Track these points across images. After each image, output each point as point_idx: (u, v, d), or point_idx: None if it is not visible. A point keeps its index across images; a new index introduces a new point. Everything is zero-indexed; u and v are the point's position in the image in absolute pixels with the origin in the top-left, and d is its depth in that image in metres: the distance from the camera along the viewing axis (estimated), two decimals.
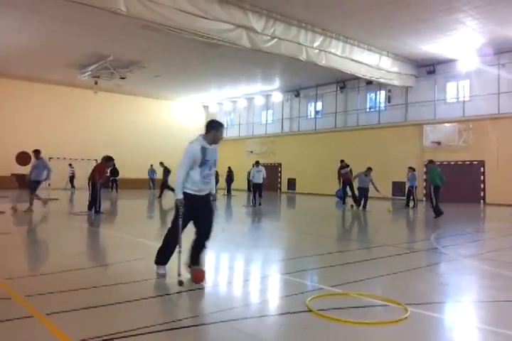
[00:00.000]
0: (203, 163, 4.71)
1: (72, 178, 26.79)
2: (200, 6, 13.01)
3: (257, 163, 16.33)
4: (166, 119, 33.51)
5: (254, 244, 7.95)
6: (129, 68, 23.10)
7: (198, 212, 4.84)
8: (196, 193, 4.77)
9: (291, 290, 4.63)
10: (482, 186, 20.07)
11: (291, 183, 28.59)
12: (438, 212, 12.53)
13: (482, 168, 20.07)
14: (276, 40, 15.31)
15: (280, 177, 29.46)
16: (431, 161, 13.51)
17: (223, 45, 14.75)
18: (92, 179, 11.95)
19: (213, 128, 4.86)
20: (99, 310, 3.73)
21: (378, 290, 4.58)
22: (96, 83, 25.09)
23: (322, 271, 5.59)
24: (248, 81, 26.52)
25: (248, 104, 32.17)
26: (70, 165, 26.82)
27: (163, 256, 4.92)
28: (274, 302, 4.28)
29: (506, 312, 3.97)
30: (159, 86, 28.59)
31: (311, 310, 3.77)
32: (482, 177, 20.06)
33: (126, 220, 12.06)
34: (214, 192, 5.08)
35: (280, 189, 29.34)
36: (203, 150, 4.71)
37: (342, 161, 17.57)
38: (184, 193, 4.71)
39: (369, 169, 15.33)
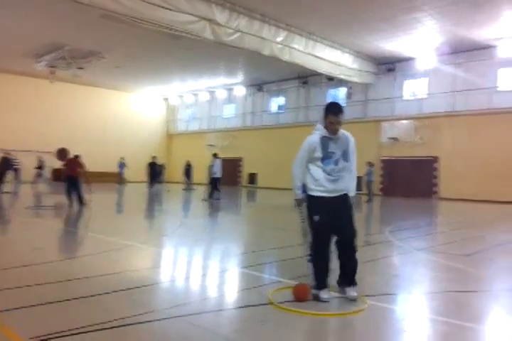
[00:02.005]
0: (326, 157, 4.03)
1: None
2: None
3: (215, 156, 16.06)
4: (127, 111, 32.83)
5: (213, 238, 7.94)
6: (88, 58, 22.41)
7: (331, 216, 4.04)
8: (324, 194, 4.03)
9: (250, 283, 4.66)
10: (436, 181, 20.81)
11: (253, 178, 28.69)
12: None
13: (436, 164, 20.79)
14: (239, 33, 15.24)
15: (241, 172, 29.49)
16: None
17: (186, 37, 14.57)
18: (73, 173, 11.66)
19: (326, 112, 4.06)
20: (53, 306, 3.62)
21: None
22: (52, 73, 24.19)
23: (282, 264, 5.65)
24: (211, 74, 26.31)
25: (210, 98, 31.94)
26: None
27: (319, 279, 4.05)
28: (232, 295, 4.28)
29: (456, 302, 4.14)
30: (120, 77, 27.92)
31: (271, 303, 3.81)
32: (436, 173, 20.79)
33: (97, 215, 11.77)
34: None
35: (241, 183, 29.37)
36: (324, 140, 4.04)
37: None
38: (310, 195, 4.09)
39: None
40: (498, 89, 19.27)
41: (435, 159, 20.81)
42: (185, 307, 3.74)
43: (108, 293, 4.08)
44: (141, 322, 3.32)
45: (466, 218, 13.14)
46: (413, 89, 22.30)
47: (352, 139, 4.16)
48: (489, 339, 3.38)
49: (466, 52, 19.73)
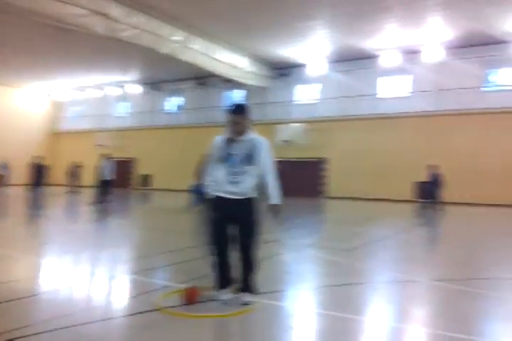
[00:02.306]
0: (227, 158, 3.98)
1: None
2: None
3: (105, 157, 15.18)
4: (7, 107, 29.94)
5: (100, 245, 7.53)
6: None
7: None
8: (222, 195, 3.99)
9: (138, 289, 4.51)
10: (324, 181, 22.05)
11: (147, 179, 27.84)
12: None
13: (325, 165, 22.04)
14: (136, 30, 14.76)
15: (133, 173, 28.46)
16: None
17: (77, 31, 13.73)
18: None
19: (226, 112, 4.04)
20: None
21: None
22: None
23: (172, 268, 5.55)
24: (103, 70, 25.05)
25: (101, 95, 30.38)
26: None
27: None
28: (120, 303, 4.11)
29: (340, 296, 4.40)
30: (1, 71, 25.39)
31: (159, 309, 3.71)
32: (324, 173, 22.04)
33: None
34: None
35: (133, 185, 28.33)
36: (227, 141, 4.01)
37: None
38: (211, 195, 4.04)
39: None
40: (378, 96, 21.04)
41: (324, 160, 22.05)
42: (71, 318, 3.51)
43: None
44: (25, 336, 3.05)
45: (351, 215, 14.12)
46: (306, 94, 23.41)
47: (262, 143, 4.03)
48: (371, 329, 3.63)
49: (353, 60, 21.21)
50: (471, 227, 11.52)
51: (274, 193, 4.03)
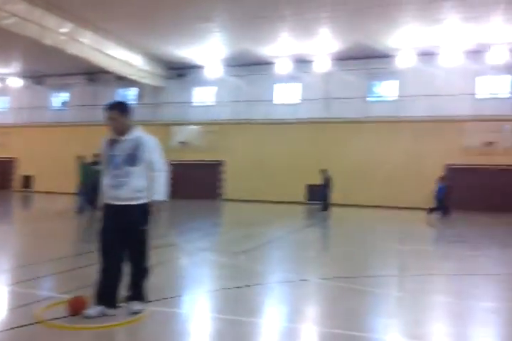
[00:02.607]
0: (109, 160, 3.73)
1: None
2: None
3: None
4: None
5: None
6: None
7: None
8: (108, 201, 3.75)
9: (18, 302, 4.10)
10: (221, 184, 22.19)
11: (28, 181, 25.56)
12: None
13: (221, 168, 22.18)
14: (16, 18, 13.47)
15: (14, 174, 25.98)
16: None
17: None
18: None
19: None
20: None
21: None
22: None
23: (55, 278, 5.13)
24: None
25: None
26: None
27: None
28: None
29: (234, 298, 4.41)
30: None
31: (40, 321, 3.40)
32: (221, 176, 22.17)
33: None
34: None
35: (13, 187, 25.85)
36: (110, 142, 3.80)
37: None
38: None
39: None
40: (274, 102, 21.76)
41: (221, 163, 22.18)
42: None
43: None
44: None
45: (246, 218, 14.35)
46: (202, 96, 23.35)
47: (147, 141, 3.79)
48: (265, 330, 3.68)
49: (251, 65, 21.63)
50: (357, 228, 12.38)
51: (160, 189, 3.77)
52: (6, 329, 3.34)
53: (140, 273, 3.86)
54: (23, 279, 4.88)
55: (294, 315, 4.05)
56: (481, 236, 10.50)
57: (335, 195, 16.32)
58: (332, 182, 15.92)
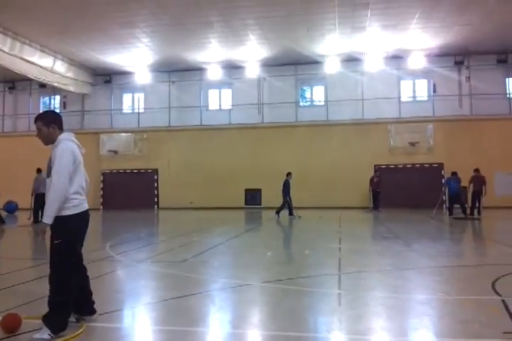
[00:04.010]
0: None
1: None
2: None
3: None
4: None
5: None
6: None
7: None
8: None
9: None
10: (156, 192, 21.69)
11: None
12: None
13: (155, 176, 21.70)
14: None
15: None
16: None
17: None
18: None
19: None
20: None
21: (43, 309, 3.77)
22: None
23: None
24: None
25: None
26: None
27: None
28: None
29: (176, 309, 4.30)
30: None
31: None
32: (156, 184, 21.69)
33: None
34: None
35: None
36: None
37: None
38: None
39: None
40: (209, 108, 21.69)
41: (155, 171, 21.69)
42: None
43: None
44: None
45: (184, 225, 14.12)
46: (131, 103, 22.75)
47: (55, 150, 3.57)
48: (209, 338, 3.60)
49: (180, 71, 21.40)
50: (294, 229, 12.57)
51: (46, 208, 3.46)
52: None
53: (50, 290, 3.57)
54: None
55: (238, 320, 4.01)
56: (411, 232, 11.10)
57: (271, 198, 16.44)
58: (288, 185, 15.73)
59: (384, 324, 3.81)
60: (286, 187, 15.55)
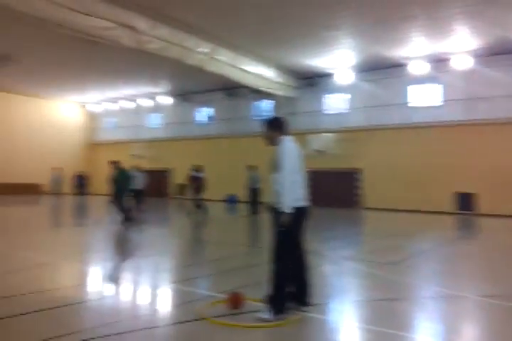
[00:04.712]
0: None
1: None
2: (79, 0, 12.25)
3: (136, 168, 15.73)
4: (45, 119, 30.90)
5: (141, 252, 7.62)
6: None
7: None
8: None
9: (181, 299, 4.57)
10: (359, 192, 21.70)
11: (183, 188, 28.02)
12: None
13: (359, 175, 21.73)
14: (161, 42, 14.96)
15: (169, 183, 28.78)
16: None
17: (105, 44, 14.06)
18: None
19: None
20: None
21: (262, 291, 4.29)
22: None
23: (216, 277, 5.59)
24: (133, 82, 25.53)
25: (135, 107, 31.00)
26: None
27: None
28: (164, 312, 4.16)
29: (383, 310, 4.30)
30: (33, 82, 26.30)
31: (204, 318, 3.73)
32: (359, 184, 21.71)
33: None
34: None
35: (169, 194, 28.63)
36: None
37: None
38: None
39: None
40: (409, 104, 20.70)
41: (358, 171, 21.75)
42: (116, 326, 3.55)
43: (29, 313, 3.77)
44: None
45: (388, 227, 13.78)
46: (335, 104, 23.26)
47: (278, 149, 4.17)
48: None
49: (381, 69, 20.98)
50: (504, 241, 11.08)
51: (281, 202, 4.04)
52: (174, 323, 3.74)
53: (272, 274, 3.96)
54: (186, 278, 5.39)
55: (451, 333, 3.79)
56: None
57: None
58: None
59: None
60: None
